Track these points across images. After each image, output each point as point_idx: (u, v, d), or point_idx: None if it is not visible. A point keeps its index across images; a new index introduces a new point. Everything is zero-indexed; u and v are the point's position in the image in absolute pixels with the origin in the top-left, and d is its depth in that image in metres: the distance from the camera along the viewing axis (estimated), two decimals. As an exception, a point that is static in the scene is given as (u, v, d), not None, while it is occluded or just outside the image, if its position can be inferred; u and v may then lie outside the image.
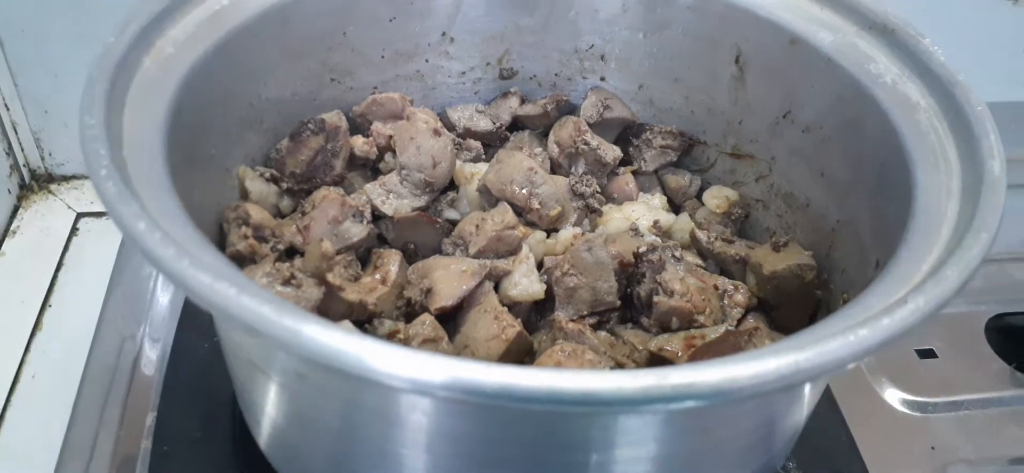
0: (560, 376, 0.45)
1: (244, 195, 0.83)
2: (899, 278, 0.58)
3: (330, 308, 0.74)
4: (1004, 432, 1.00)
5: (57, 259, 1.21)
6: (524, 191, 0.86)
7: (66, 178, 1.36)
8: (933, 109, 0.74)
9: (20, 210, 1.29)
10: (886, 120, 0.75)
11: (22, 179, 1.32)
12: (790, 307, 0.85)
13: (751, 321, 0.83)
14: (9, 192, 1.28)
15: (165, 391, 0.94)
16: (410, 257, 0.87)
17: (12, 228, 1.26)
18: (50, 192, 1.33)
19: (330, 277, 0.73)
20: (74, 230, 1.27)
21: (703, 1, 0.91)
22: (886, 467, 0.93)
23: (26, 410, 0.98)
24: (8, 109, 1.25)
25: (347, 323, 0.58)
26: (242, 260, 0.76)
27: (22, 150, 1.31)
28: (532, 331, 0.84)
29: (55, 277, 1.18)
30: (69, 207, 1.31)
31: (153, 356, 0.99)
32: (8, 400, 0.98)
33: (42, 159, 1.33)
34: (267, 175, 0.84)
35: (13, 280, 1.16)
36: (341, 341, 0.46)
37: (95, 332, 1.03)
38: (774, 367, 0.47)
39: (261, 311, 0.46)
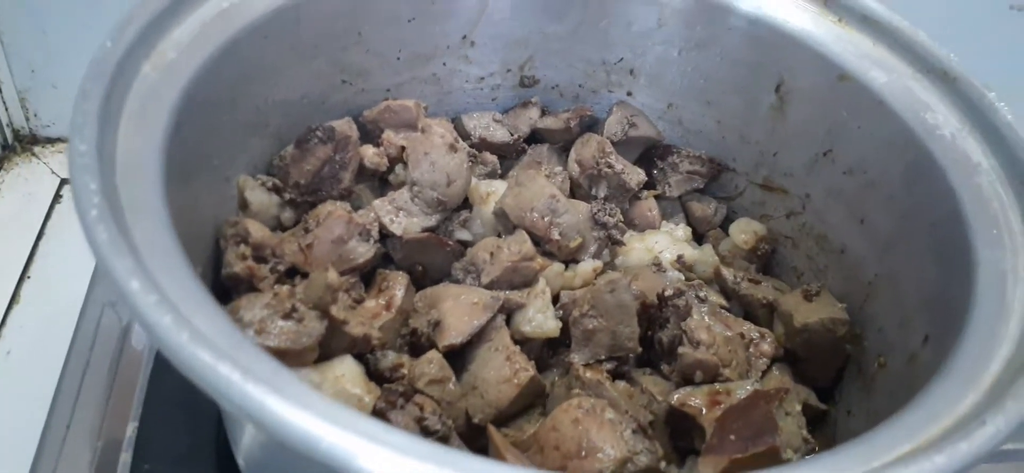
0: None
1: (243, 206, 0.76)
2: (965, 378, 0.54)
3: (332, 342, 0.69)
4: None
5: (38, 228, 1.14)
6: (545, 220, 0.80)
7: (51, 141, 1.29)
8: (997, 173, 0.68)
9: (1, 173, 1.22)
10: (942, 177, 0.70)
11: (5, 140, 1.24)
12: (818, 361, 0.80)
13: (776, 374, 0.79)
14: (-10, 152, 1.22)
15: (154, 374, 0.88)
16: (417, 279, 0.81)
17: (-9, 191, 1.19)
18: (34, 155, 1.26)
19: (334, 310, 0.67)
20: (58, 197, 1.20)
21: (750, 25, 0.85)
22: None
23: (-1, 391, 0.91)
24: (-7, 66, 1.18)
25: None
26: (239, 282, 0.70)
27: (6, 110, 1.24)
28: (543, 368, 0.79)
29: (35, 247, 1.11)
30: (53, 172, 1.24)
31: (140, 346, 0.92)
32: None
33: (27, 119, 1.26)
34: (269, 184, 0.77)
35: (-11, 248, 1.09)
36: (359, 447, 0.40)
37: (79, 318, 0.97)
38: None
39: (266, 404, 0.41)
